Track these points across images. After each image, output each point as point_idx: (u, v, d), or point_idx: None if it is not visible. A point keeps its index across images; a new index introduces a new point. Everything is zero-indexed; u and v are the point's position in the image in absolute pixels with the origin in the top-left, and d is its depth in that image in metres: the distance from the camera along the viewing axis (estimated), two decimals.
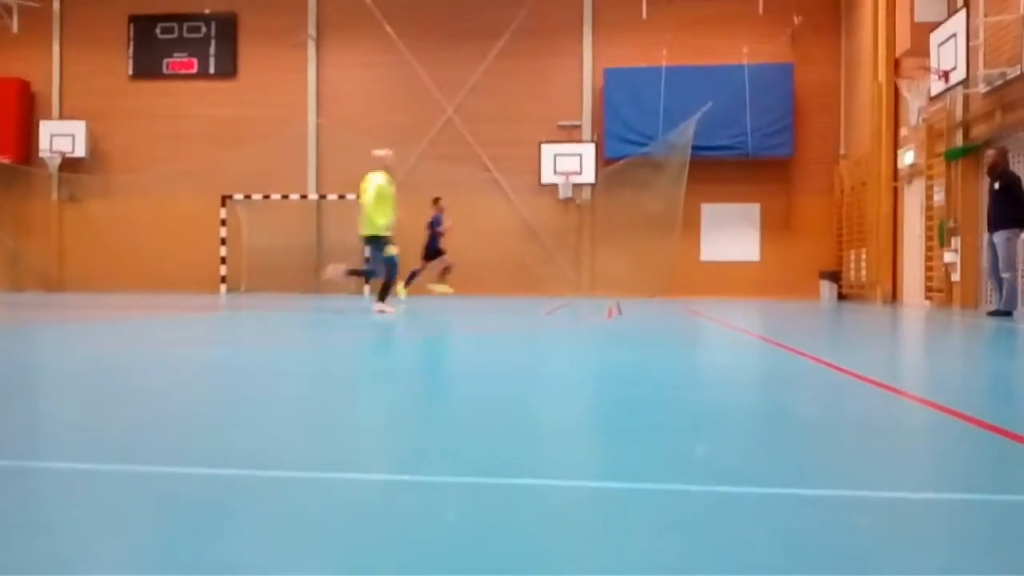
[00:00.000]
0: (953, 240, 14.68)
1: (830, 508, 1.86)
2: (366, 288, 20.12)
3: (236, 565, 1.45)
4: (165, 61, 23.08)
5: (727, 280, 21.22)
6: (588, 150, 21.32)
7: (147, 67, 23.13)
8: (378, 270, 11.30)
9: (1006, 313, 11.02)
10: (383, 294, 11.21)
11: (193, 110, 22.84)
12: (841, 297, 20.26)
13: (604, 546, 1.60)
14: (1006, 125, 13.32)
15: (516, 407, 3.42)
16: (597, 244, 21.69)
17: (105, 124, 23.00)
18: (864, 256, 18.78)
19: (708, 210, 21.47)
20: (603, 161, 21.27)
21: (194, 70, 23.03)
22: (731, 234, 21.57)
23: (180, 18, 23.00)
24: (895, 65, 17.32)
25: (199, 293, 20.52)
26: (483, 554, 1.52)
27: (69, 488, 2.02)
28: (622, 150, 21.01)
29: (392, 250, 11.00)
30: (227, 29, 22.87)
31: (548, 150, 21.29)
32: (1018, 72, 12.67)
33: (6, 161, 22.82)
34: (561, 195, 21.40)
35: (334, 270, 11.91)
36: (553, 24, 21.84)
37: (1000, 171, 11.38)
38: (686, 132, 20.37)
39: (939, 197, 15.45)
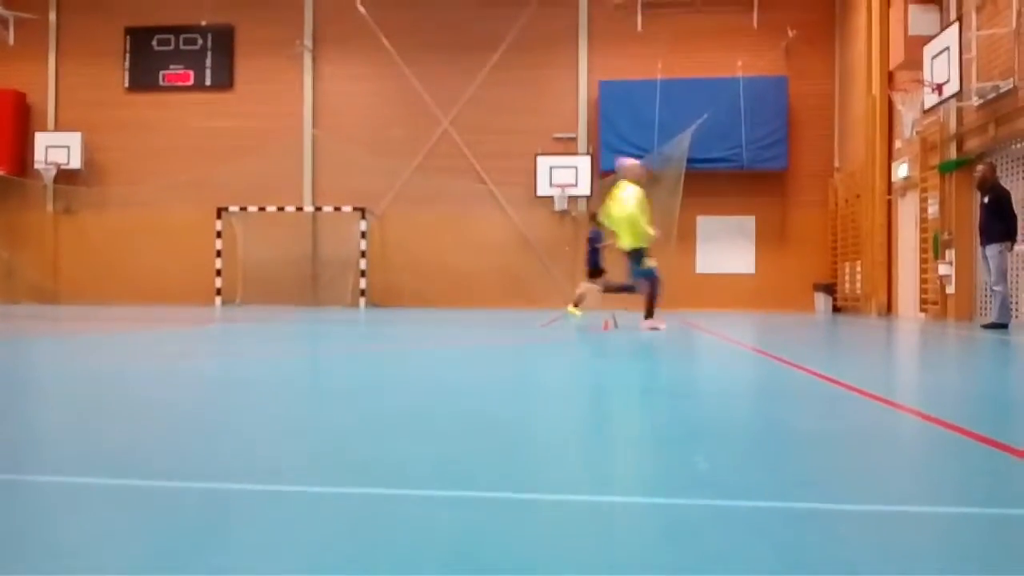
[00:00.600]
0: (948, 252, 14.72)
1: (825, 521, 1.85)
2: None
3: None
4: (161, 73, 23.11)
5: (722, 292, 21.25)
6: (583, 162, 21.37)
7: (143, 79, 23.15)
8: (639, 285, 10.64)
9: (1001, 326, 11.07)
10: (649, 309, 10.55)
11: (189, 122, 22.85)
12: (836, 309, 20.28)
13: (598, 558, 1.59)
14: (999, 138, 13.38)
15: (514, 420, 3.41)
16: None
17: (101, 136, 23.00)
18: (859, 268, 18.82)
19: (703, 222, 21.51)
20: (598, 173, 21.30)
21: (190, 82, 23.06)
22: (726, 246, 21.61)
23: (176, 30, 23.04)
24: (889, 78, 17.40)
25: (194, 305, 20.49)
26: (476, 565, 1.51)
27: (60, 502, 2.00)
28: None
29: (651, 262, 10.44)
30: (223, 41, 22.91)
31: (544, 162, 21.34)
32: (1011, 85, 12.74)
33: (1, 173, 22.80)
34: (556, 207, 21.43)
35: (588, 287, 11.31)
36: (549, 37, 21.92)
37: (990, 185, 11.53)
38: (681, 144, 20.42)
39: (933, 209, 15.49)
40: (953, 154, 14.85)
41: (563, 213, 21.64)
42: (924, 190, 16.02)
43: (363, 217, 21.38)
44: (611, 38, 21.78)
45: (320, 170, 22.52)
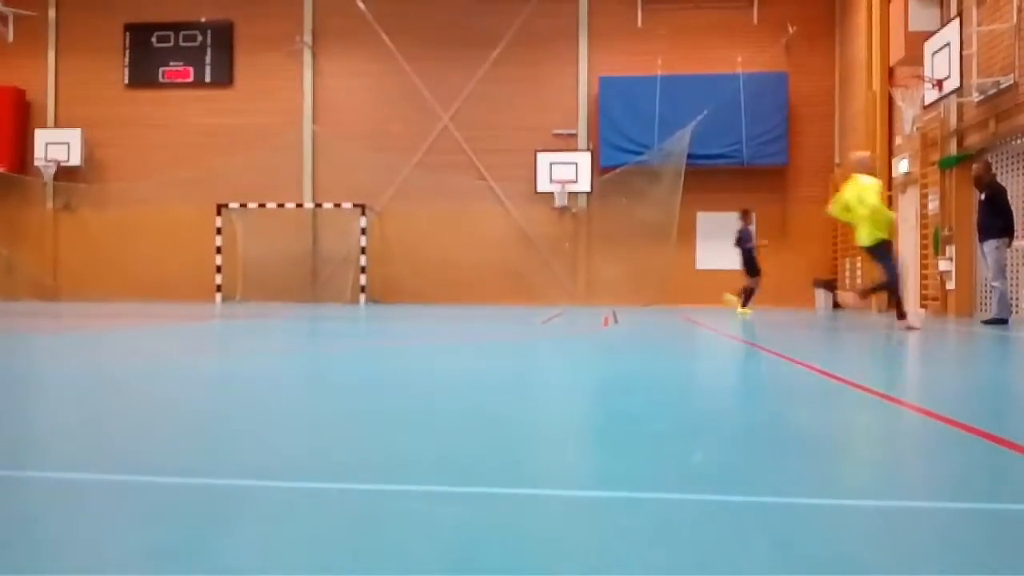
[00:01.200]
0: (948, 249, 14.72)
1: (824, 517, 1.85)
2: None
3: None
4: (161, 70, 23.08)
5: (722, 288, 21.15)
6: (584, 159, 21.36)
7: (143, 76, 23.12)
8: (892, 278, 9.96)
9: (1001, 321, 11.09)
10: (899, 308, 9.96)
11: (189, 119, 22.84)
12: (836, 306, 20.26)
13: (598, 554, 1.59)
14: (1000, 134, 13.37)
15: (515, 415, 3.41)
16: (592, 253, 21.70)
17: (101, 133, 22.97)
18: (859, 265, 18.80)
19: (703, 218, 21.49)
20: (599, 170, 21.30)
21: (190, 79, 23.03)
22: (726, 243, 21.55)
23: (176, 27, 23.01)
24: (889, 74, 17.38)
25: (194, 302, 20.48)
26: (475, 561, 1.51)
27: (59, 498, 2.01)
28: (618, 159, 21.04)
29: (891, 255, 10.05)
30: (223, 37, 22.88)
31: (544, 158, 21.32)
32: (1011, 81, 12.73)
33: (1, 170, 22.78)
34: (557, 204, 21.42)
35: (847, 296, 10.75)
36: (549, 33, 21.89)
37: (986, 182, 11.60)
38: (681, 141, 20.42)
39: (933, 206, 15.49)
40: (953, 150, 14.84)
41: (563, 209, 21.63)
42: (924, 186, 16.00)
43: (363, 213, 21.37)
44: (611, 34, 21.75)
45: (320, 166, 22.51)
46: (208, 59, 22.98)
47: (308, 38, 22.47)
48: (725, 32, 21.42)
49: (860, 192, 9.81)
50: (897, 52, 16.28)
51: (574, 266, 21.87)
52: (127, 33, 23.16)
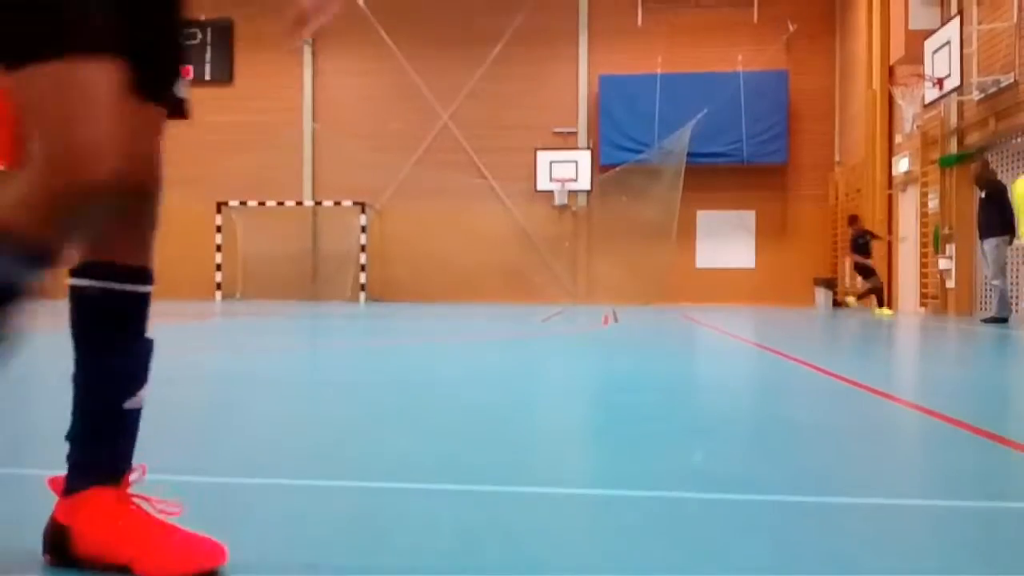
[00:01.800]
0: (948, 247, 14.72)
1: (824, 515, 1.86)
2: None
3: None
4: None
5: (722, 287, 21.23)
6: (584, 157, 21.35)
7: None
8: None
9: (1001, 320, 11.08)
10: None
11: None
12: (836, 304, 20.27)
13: (598, 552, 1.60)
14: (1000, 132, 13.37)
15: (515, 414, 3.41)
16: (592, 251, 21.69)
17: None
18: None
19: (703, 217, 21.50)
20: (599, 168, 21.29)
21: (190, 76, 22.88)
22: (726, 241, 21.60)
23: None
24: (889, 72, 17.37)
25: (193, 300, 20.49)
26: (478, 558, 1.52)
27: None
28: (618, 157, 21.04)
29: None
30: (223, 36, 22.86)
31: (544, 157, 21.32)
32: (1012, 79, 12.73)
33: (1, 169, 22.75)
34: (557, 202, 21.41)
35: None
36: (549, 31, 21.87)
37: (985, 181, 11.60)
38: (681, 139, 20.41)
39: (934, 204, 15.49)
40: (954, 148, 14.83)
41: (563, 208, 21.63)
42: (924, 184, 16.00)
43: (363, 211, 21.36)
44: (611, 32, 21.74)
45: (320, 164, 22.50)
46: (208, 57, 22.96)
47: (308, 36, 22.43)
48: (725, 30, 21.41)
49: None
50: (897, 50, 16.27)
51: (574, 264, 21.86)
52: None
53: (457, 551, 1.57)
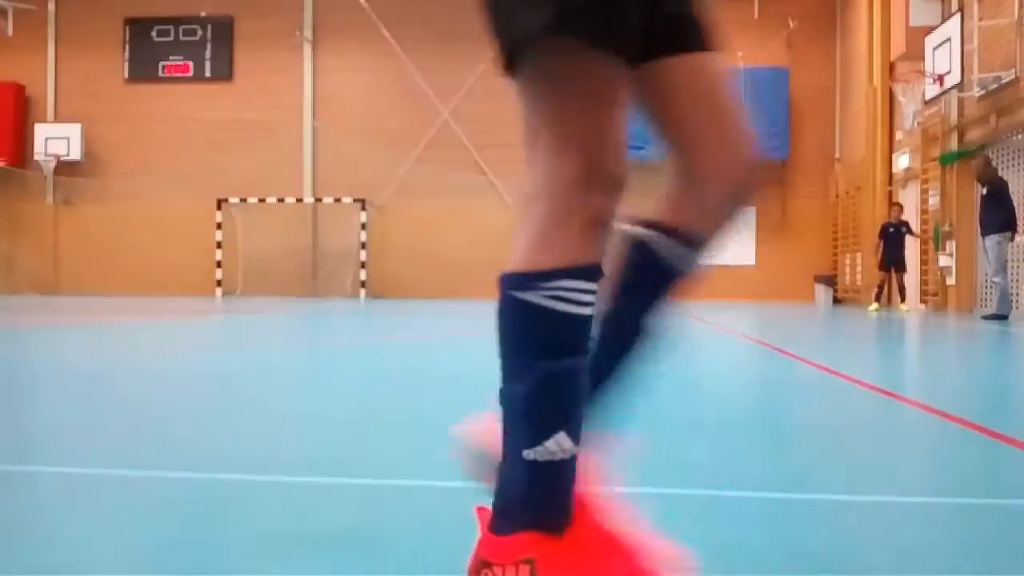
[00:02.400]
0: (948, 244, 14.71)
1: (826, 513, 1.85)
2: None
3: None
4: (161, 64, 23.05)
5: (722, 283, 21.17)
6: None
7: (143, 70, 23.08)
8: None
9: (1001, 317, 11.08)
10: None
11: (189, 113, 22.80)
12: (836, 301, 20.26)
13: None
14: (1000, 129, 13.35)
15: None
16: None
17: (100, 127, 22.94)
18: (859, 260, 18.79)
19: None
20: None
21: (190, 73, 23.00)
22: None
23: (176, 21, 22.96)
24: (890, 69, 17.35)
25: (194, 296, 20.49)
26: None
27: (57, 492, 2.01)
28: None
29: None
30: (223, 32, 22.84)
31: None
32: (1012, 76, 12.71)
33: (1, 164, 22.76)
34: None
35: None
36: None
37: (987, 177, 11.60)
38: None
39: (934, 201, 15.48)
40: (954, 145, 14.82)
41: None
42: (925, 181, 15.99)
43: (363, 208, 21.36)
44: None
45: (320, 161, 22.49)
46: (208, 54, 22.94)
47: (308, 32, 22.44)
48: (725, 27, 21.28)
49: None
50: (898, 47, 16.25)
51: None
52: (127, 27, 23.11)
53: (460, 551, 1.57)
